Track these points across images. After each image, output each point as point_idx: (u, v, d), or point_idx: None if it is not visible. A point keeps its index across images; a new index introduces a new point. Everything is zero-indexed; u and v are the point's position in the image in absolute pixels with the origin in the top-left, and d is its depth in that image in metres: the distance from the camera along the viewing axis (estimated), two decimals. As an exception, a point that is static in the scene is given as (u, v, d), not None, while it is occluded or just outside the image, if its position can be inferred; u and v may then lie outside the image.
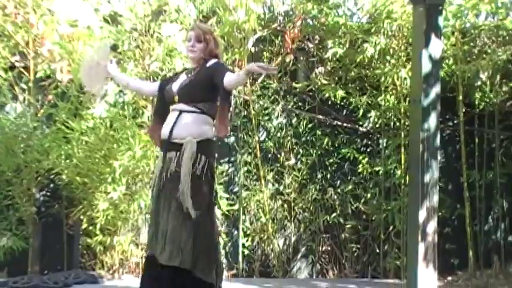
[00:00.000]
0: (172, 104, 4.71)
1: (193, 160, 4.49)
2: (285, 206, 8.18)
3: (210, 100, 4.64)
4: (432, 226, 4.84)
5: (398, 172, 8.00)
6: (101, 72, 5.08)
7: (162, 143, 4.69)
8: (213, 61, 4.66)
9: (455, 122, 8.52)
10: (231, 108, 4.88)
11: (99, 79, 5.19)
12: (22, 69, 7.32)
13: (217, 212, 7.00)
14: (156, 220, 4.62)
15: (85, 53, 6.61)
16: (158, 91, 4.91)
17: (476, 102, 8.30)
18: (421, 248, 4.81)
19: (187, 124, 4.55)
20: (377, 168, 8.19)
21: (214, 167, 4.67)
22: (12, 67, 7.31)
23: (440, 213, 6.89)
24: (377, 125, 8.40)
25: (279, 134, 8.27)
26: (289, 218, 8.20)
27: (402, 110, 7.98)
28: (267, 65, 4.23)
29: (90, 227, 7.27)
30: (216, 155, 4.73)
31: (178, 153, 4.50)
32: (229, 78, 4.46)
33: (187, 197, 4.42)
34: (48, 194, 7.65)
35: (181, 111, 4.59)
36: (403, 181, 7.89)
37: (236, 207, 7.97)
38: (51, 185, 7.58)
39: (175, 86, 4.72)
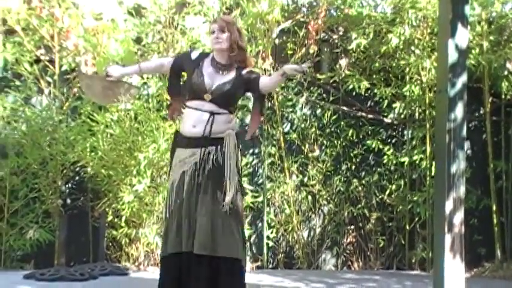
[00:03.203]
0: (199, 97, 4.69)
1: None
2: (310, 197, 8.16)
3: (237, 102, 4.79)
4: (459, 217, 4.79)
5: (424, 163, 7.95)
6: (110, 87, 4.90)
7: (193, 139, 4.67)
8: (247, 69, 4.70)
9: (481, 112, 8.45)
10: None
11: (114, 92, 5.00)
12: (47, 63, 7.38)
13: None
14: (187, 215, 4.61)
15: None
16: (173, 67, 4.86)
17: (503, 92, 8.22)
18: (448, 239, 4.76)
19: (221, 122, 4.61)
20: (402, 159, 8.15)
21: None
22: (37, 60, 7.37)
23: (466, 204, 6.84)
24: (402, 116, 8.35)
25: (303, 126, 8.25)
26: (313, 210, 8.19)
27: (427, 100, 7.93)
28: (300, 66, 4.29)
29: (116, 219, 7.31)
30: (240, 146, 4.78)
31: (219, 147, 4.54)
32: (265, 82, 4.56)
33: (237, 186, 4.51)
34: (74, 186, 7.69)
35: (212, 113, 4.61)
36: (428, 172, 7.84)
37: (260, 199, 7.96)
38: (77, 178, 7.64)
39: (208, 81, 4.66)
